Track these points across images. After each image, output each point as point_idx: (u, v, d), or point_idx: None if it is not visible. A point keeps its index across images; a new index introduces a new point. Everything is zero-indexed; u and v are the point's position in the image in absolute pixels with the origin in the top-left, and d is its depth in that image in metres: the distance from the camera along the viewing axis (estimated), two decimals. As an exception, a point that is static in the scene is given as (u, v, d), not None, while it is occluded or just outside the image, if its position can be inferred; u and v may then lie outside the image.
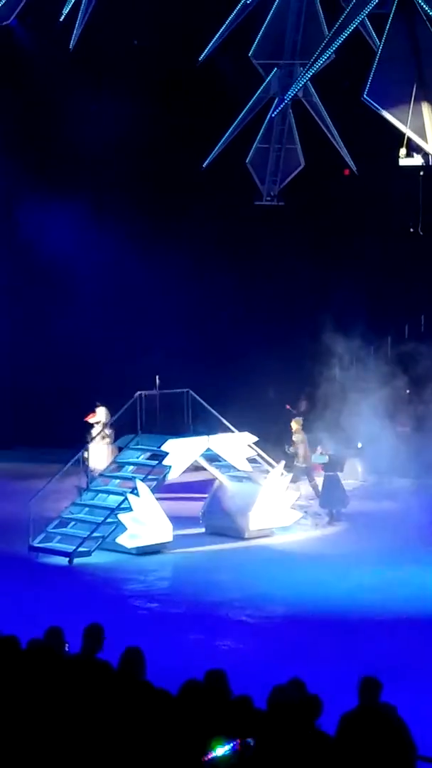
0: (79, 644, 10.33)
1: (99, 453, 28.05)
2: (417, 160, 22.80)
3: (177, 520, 22.27)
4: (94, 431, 28.47)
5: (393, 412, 25.30)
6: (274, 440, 26.61)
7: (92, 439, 26.86)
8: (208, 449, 22.48)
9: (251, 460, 22.98)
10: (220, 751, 8.45)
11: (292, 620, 17.39)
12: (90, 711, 9.38)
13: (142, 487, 21.64)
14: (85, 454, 27.78)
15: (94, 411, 28.64)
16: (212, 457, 22.93)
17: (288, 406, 28.54)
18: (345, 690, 10.00)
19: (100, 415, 28.69)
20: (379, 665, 12.96)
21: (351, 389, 25.15)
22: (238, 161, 27.68)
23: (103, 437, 28.33)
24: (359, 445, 26.87)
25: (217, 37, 26.28)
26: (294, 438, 25.09)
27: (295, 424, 25.47)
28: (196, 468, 23.44)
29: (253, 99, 27.09)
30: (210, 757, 8.42)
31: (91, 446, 28.32)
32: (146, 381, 24.34)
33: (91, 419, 28.55)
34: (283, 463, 24.04)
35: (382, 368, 25.92)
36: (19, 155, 30.79)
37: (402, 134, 22.33)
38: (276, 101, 26.65)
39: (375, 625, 17.04)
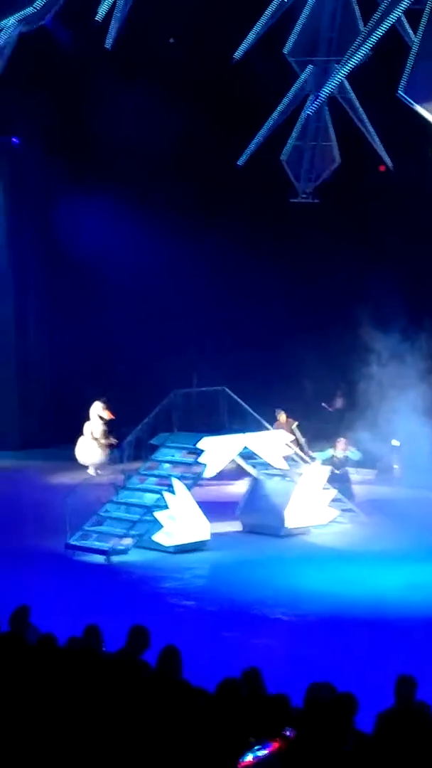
0: (116, 642, 10.37)
1: (90, 449, 28.34)
2: (453, 157, 22.73)
3: (211, 507, 22.27)
4: (91, 426, 28.55)
5: (431, 409, 25.21)
6: (311, 438, 26.62)
7: (109, 441, 27.31)
8: (245, 447, 22.47)
9: (288, 459, 22.96)
10: (253, 757, 8.39)
11: (327, 618, 17.35)
12: (127, 709, 9.42)
13: (178, 484, 21.65)
14: (76, 450, 28.07)
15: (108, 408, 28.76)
16: (248, 455, 22.92)
17: (324, 404, 28.51)
18: (380, 688, 10.00)
19: (94, 411, 28.76)
20: (414, 663, 12.93)
21: (388, 386, 25.08)
22: (273, 158, 27.63)
23: (105, 435, 28.53)
24: (395, 442, 26.80)
25: (252, 34, 26.24)
26: (286, 429, 25.19)
27: (282, 416, 25.65)
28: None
29: (288, 96, 27.02)
30: (245, 763, 8.37)
31: (81, 440, 28.61)
32: (182, 378, 24.35)
33: (105, 416, 28.68)
34: (318, 461, 24.03)
35: (419, 365, 25.83)
36: (55, 154, 30.92)
37: (438, 131, 22.25)
38: (311, 98, 26.58)
39: (411, 624, 16.98)
